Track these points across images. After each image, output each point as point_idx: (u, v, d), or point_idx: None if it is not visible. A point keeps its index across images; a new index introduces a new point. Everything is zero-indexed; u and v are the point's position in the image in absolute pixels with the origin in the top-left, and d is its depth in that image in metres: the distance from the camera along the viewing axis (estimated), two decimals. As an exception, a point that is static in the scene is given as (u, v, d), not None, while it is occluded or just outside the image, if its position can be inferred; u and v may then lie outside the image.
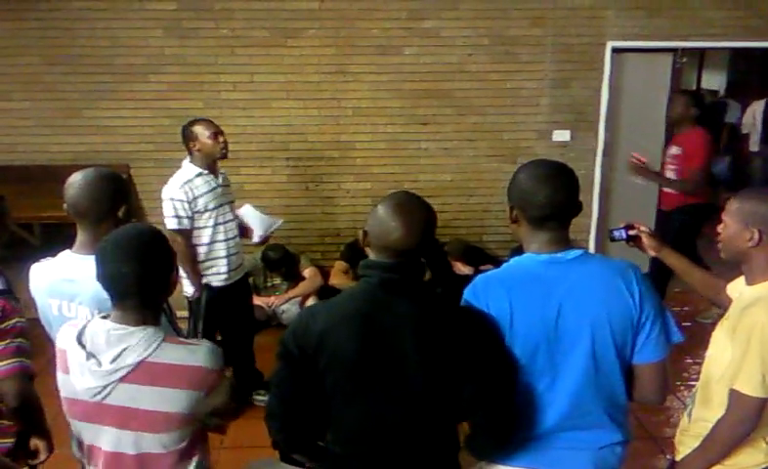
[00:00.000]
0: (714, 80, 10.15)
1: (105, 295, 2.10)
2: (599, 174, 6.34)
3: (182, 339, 1.83)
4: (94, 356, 1.73)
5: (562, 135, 6.20)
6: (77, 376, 1.74)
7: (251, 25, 5.79)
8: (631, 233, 2.54)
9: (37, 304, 2.28)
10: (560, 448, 1.98)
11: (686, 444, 2.23)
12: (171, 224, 3.81)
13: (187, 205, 3.81)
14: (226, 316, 4.06)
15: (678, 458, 2.26)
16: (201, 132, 3.90)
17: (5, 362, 2.19)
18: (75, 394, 1.76)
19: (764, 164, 8.45)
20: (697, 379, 2.31)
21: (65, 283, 2.18)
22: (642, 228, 2.53)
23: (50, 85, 5.79)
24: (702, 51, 9.21)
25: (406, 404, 1.81)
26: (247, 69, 5.87)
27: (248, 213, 4.24)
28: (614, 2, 5.97)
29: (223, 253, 3.94)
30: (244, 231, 4.27)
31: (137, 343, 1.73)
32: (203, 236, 3.85)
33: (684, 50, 6.34)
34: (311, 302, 5.67)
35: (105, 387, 1.72)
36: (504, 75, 6.06)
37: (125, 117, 5.88)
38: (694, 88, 10.10)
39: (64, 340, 1.81)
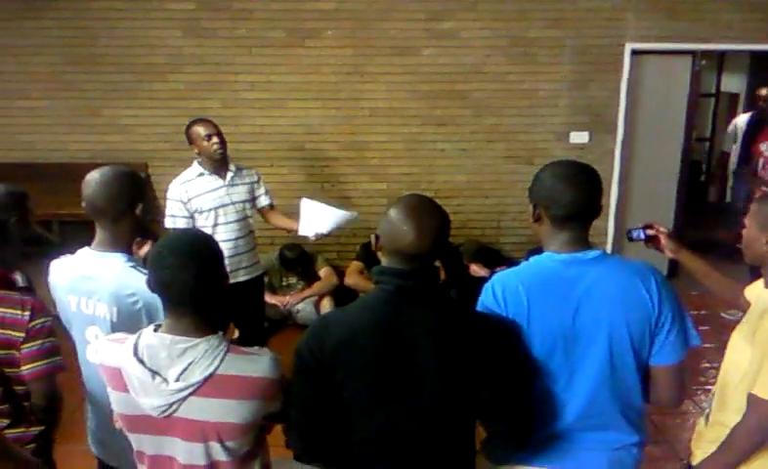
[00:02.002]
0: (734, 83, 10.06)
1: (123, 292, 2.14)
2: (617, 176, 6.32)
3: (243, 349, 1.79)
4: (158, 373, 1.69)
5: (580, 136, 6.18)
6: (141, 395, 1.70)
7: (269, 26, 5.82)
8: (650, 232, 2.52)
9: (57, 300, 2.30)
10: (576, 449, 1.98)
11: (703, 448, 2.21)
12: (166, 223, 3.87)
13: (182, 205, 3.85)
14: (234, 314, 4.05)
15: (694, 462, 2.25)
16: (198, 133, 3.92)
17: (37, 364, 2.21)
18: (139, 411, 1.72)
19: (744, 191, 6.72)
20: (714, 383, 2.30)
21: (84, 280, 2.20)
22: (661, 228, 2.52)
23: (69, 84, 5.85)
24: (721, 53, 9.13)
25: (425, 411, 1.80)
26: (265, 69, 5.90)
27: (309, 208, 4.10)
28: (633, 4, 5.94)
29: (224, 253, 3.90)
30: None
31: (202, 356, 1.70)
32: None
33: (703, 52, 6.30)
34: (326, 302, 5.68)
35: (172, 404, 1.69)
36: (522, 76, 6.05)
37: (144, 116, 5.93)
38: (713, 91, 10.03)
39: (113, 358, 1.76)
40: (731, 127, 7.34)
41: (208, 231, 3.84)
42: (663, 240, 2.50)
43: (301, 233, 4.11)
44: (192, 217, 3.88)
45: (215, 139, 3.92)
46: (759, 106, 6.71)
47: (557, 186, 1.91)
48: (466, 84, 6.02)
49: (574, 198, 1.89)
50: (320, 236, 4.12)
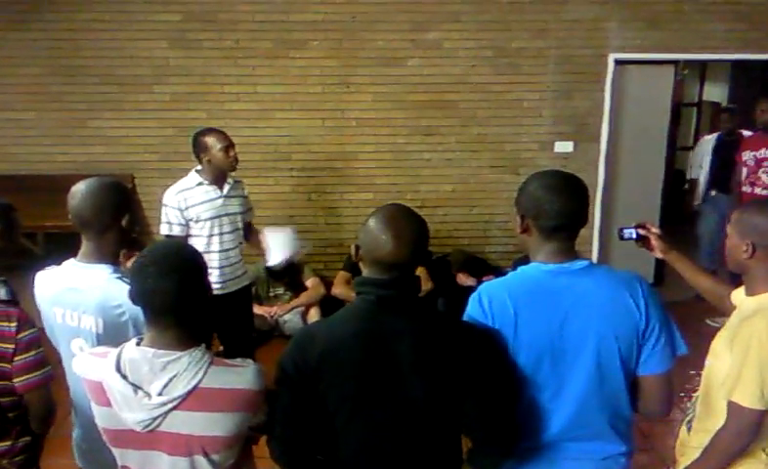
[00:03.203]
0: (716, 92, 10.16)
1: (109, 304, 2.12)
2: (601, 185, 6.34)
3: (227, 361, 1.78)
4: (140, 387, 1.67)
5: (564, 146, 6.21)
6: (124, 410, 1.68)
7: (255, 37, 5.82)
8: (641, 232, 2.52)
9: (41, 312, 2.29)
10: (563, 459, 1.98)
11: (687, 455, 2.22)
12: (163, 229, 3.88)
13: (179, 213, 3.84)
14: (222, 324, 4.05)
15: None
16: (213, 144, 3.89)
17: (33, 375, 2.21)
18: (122, 425, 1.71)
19: (714, 229, 6.37)
20: (697, 390, 2.31)
21: (70, 292, 2.19)
22: (652, 229, 2.52)
23: (55, 95, 5.82)
24: (703, 63, 9.22)
25: (408, 420, 1.80)
26: (251, 80, 5.90)
27: (272, 237, 4.29)
28: (616, 14, 5.99)
29: (215, 263, 3.91)
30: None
31: (185, 370, 1.68)
32: (197, 246, 3.84)
33: (686, 62, 6.36)
34: (313, 312, 5.68)
35: (155, 418, 1.68)
36: (507, 87, 6.08)
37: (129, 127, 5.91)
38: (696, 100, 10.11)
39: (96, 372, 1.74)
40: (696, 150, 6.92)
41: (203, 240, 3.88)
42: (654, 241, 2.50)
43: (270, 263, 4.29)
44: (187, 225, 3.88)
45: (232, 151, 3.95)
46: (726, 127, 6.55)
47: (545, 196, 1.91)
48: (451, 94, 6.04)
49: (562, 209, 1.89)
50: (285, 263, 4.32)
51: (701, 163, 6.70)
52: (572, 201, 1.91)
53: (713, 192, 6.51)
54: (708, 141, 6.76)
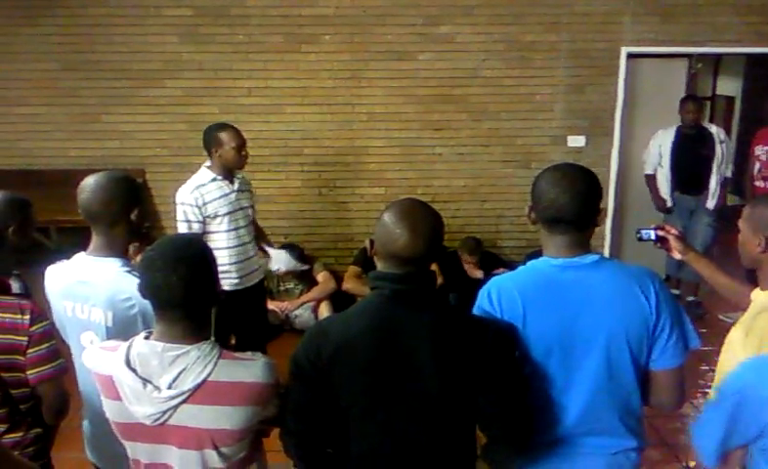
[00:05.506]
0: (729, 86, 10.09)
1: (119, 297, 2.13)
2: (614, 180, 6.32)
3: (236, 354, 1.78)
4: (149, 381, 1.68)
5: (577, 140, 6.18)
6: (133, 404, 1.69)
7: (267, 31, 5.83)
8: (660, 233, 2.51)
9: (51, 306, 2.30)
10: (576, 454, 1.97)
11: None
12: (181, 228, 3.83)
13: (197, 210, 3.81)
14: (239, 320, 4.05)
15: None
16: (227, 140, 3.86)
17: (46, 367, 2.22)
18: (132, 419, 1.72)
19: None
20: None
21: (80, 286, 2.20)
22: (672, 231, 2.51)
23: (68, 90, 5.86)
24: (717, 57, 9.15)
25: (423, 415, 1.79)
26: (262, 75, 5.91)
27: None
28: (629, 8, 5.96)
29: (235, 258, 3.93)
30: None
31: (194, 363, 1.69)
32: (216, 241, 3.85)
33: (699, 56, 6.31)
34: (324, 306, 5.68)
35: (165, 412, 1.68)
36: (519, 81, 6.06)
37: (142, 122, 5.93)
38: (709, 95, 10.04)
39: (105, 365, 1.75)
40: (653, 147, 6.06)
41: (223, 236, 3.88)
42: (673, 242, 2.48)
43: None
44: (204, 222, 3.85)
45: (244, 150, 3.94)
46: (688, 118, 5.81)
47: (543, 187, 1.92)
48: (463, 88, 6.03)
49: (551, 201, 1.89)
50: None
51: (659, 162, 6.02)
52: (566, 193, 1.88)
53: (677, 194, 6.00)
54: (664, 136, 6.00)
